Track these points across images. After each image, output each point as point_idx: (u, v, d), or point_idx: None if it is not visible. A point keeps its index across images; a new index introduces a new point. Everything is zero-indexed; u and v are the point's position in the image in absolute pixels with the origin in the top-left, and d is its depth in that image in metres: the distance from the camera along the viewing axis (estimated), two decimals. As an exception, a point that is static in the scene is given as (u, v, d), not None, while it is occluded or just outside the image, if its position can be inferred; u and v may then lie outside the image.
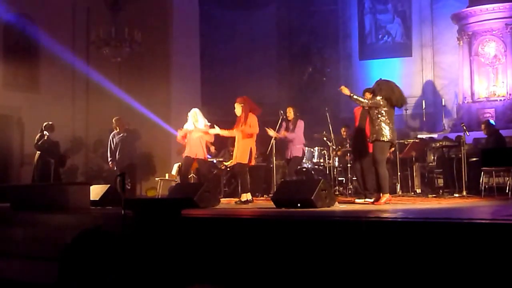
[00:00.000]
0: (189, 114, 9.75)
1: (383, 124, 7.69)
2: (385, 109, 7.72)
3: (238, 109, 9.01)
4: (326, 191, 7.45)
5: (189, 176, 10.29)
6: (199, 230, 5.81)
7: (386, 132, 7.68)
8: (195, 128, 9.59)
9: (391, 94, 7.77)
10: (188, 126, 9.70)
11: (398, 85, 8.10)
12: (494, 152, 9.14)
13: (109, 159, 11.37)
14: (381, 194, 7.77)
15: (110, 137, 11.40)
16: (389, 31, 18.13)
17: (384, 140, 7.69)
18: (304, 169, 11.18)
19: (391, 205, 7.57)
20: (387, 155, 7.96)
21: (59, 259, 5.14)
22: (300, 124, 9.82)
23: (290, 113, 9.88)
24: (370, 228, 4.95)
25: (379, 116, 7.72)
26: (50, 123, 11.65)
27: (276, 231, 5.39)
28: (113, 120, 11.40)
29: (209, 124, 9.70)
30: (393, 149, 11.20)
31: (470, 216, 5.59)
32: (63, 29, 15.32)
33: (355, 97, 7.91)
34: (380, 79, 8.13)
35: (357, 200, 8.66)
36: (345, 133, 11.80)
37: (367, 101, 7.83)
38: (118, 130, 11.24)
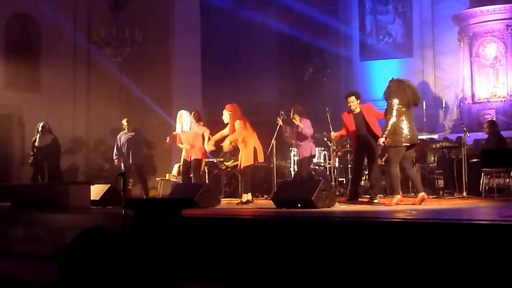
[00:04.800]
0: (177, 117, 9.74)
1: (399, 127, 7.54)
2: (400, 111, 7.58)
3: (226, 116, 8.99)
4: (327, 191, 7.47)
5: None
6: (199, 230, 5.82)
7: (402, 135, 7.54)
8: (182, 131, 9.59)
9: (401, 95, 7.62)
10: (177, 129, 9.71)
11: (412, 84, 7.99)
12: (494, 153, 9.12)
13: (114, 157, 11.39)
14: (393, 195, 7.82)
15: (118, 137, 11.42)
16: (390, 32, 18.11)
17: (393, 146, 7.58)
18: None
19: (393, 206, 7.56)
20: (400, 156, 7.69)
21: (60, 258, 5.15)
22: (305, 122, 9.83)
23: (292, 115, 9.89)
24: (370, 228, 4.96)
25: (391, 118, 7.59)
26: (43, 124, 11.66)
27: (276, 231, 5.40)
28: (124, 121, 11.40)
29: (194, 121, 9.68)
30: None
31: (470, 217, 5.60)
32: (64, 28, 15.33)
33: (386, 130, 7.63)
34: (392, 79, 7.93)
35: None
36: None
37: (393, 119, 7.55)
38: (127, 130, 11.25)
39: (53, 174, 11.52)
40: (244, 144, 8.94)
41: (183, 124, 9.55)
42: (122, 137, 11.25)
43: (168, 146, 10.28)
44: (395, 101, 7.58)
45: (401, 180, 10.31)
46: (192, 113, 10.26)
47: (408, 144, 7.65)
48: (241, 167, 9.01)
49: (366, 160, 9.07)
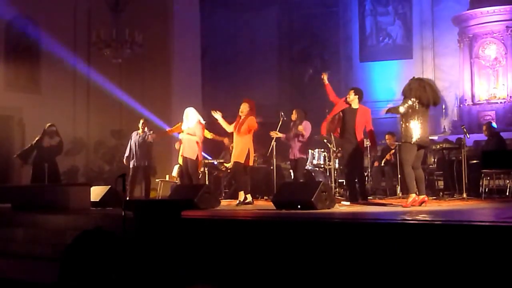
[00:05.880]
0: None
1: (411, 126, 7.48)
2: (416, 109, 7.48)
3: (245, 108, 9.02)
4: (326, 193, 7.46)
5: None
6: (199, 231, 5.82)
7: (413, 134, 7.46)
8: (187, 128, 9.59)
9: (421, 94, 7.51)
10: (183, 126, 9.71)
11: (433, 83, 7.96)
12: (494, 154, 9.14)
13: (125, 155, 11.43)
14: (408, 194, 7.70)
15: (130, 136, 11.46)
16: (390, 33, 18.14)
17: (407, 142, 7.50)
18: (304, 171, 11.18)
19: (395, 208, 7.54)
20: (412, 156, 7.61)
21: (61, 259, 5.16)
22: (306, 125, 9.84)
23: (294, 115, 9.90)
24: (369, 230, 4.96)
25: (409, 117, 7.50)
26: (52, 128, 11.64)
27: (276, 232, 5.40)
28: (140, 121, 11.43)
29: (203, 122, 9.67)
30: (393, 151, 11.27)
31: (470, 218, 5.60)
32: (64, 30, 15.33)
33: (388, 109, 7.72)
34: (413, 78, 7.86)
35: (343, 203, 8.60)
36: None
37: (402, 109, 7.52)
38: (140, 131, 11.28)
39: (52, 176, 11.51)
40: (241, 142, 8.95)
41: (188, 121, 9.55)
42: (133, 137, 11.29)
43: (178, 148, 10.27)
44: (412, 100, 7.49)
45: (401, 181, 10.37)
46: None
47: (418, 144, 7.58)
48: (233, 163, 9.03)
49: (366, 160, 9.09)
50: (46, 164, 11.44)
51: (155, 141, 11.42)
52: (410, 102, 7.51)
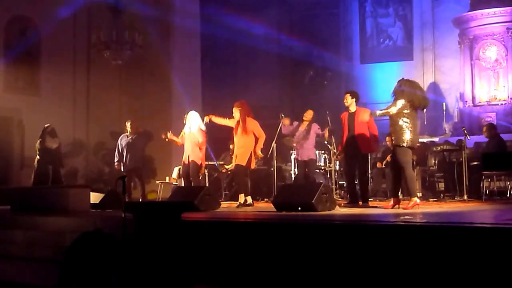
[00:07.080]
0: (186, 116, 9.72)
1: (404, 128, 7.44)
2: (407, 112, 7.46)
3: (236, 113, 9.01)
4: (327, 194, 7.45)
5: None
6: (199, 233, 5.81)
7: (406, 137, 7.44)
8: (189, 132, 9.55)
9: (413, 96, 7.50)
10: (185, 129, 9.67)
11: (420, 85, 7.95)
12: (495, 156, 9.09)
13: (115, 160, 11.38)
14: (410, 198, 7.62)
15: (119, 139, 11.40)
16: (390, 35, 18.14)
17: (403, 146, 7.45)
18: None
19: (396, 210, 7.51)
20: (411, 157, 7.62)
21: (60, 261, 5.14)
22: (315, 127, 9.85)
23: (309, 115, 9.91)
24: (370, 231, 4.95)
25: (400, 119, 7.47)
26: (51, 127, 11.61)
27: (277, 234, 5.38)
28: (127, 123, 11.36)
29: (204, 128, 9.63)
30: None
31: (471, 220, 5.60)
32: (64, 31, 15.32)
33: (382, 112, 7.66)
34: (402, 79, 7.80)
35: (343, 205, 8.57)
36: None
37: (394, 110, 7.48)
38: (128, 133, 11.22)
39: (55, 177, 11.50)
40: (244, 145, 8.93)
41: (191, 125, 9.52)
42: (123, 140, 11.24)
43: (165, 138, 10.05)
44: (402, 101, 7.47)
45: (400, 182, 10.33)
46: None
47: (410, 146, 7.55)
48: (235, 166, 9.03)
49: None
50: (50, 167, 11.43)
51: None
52: (403, 103, 7.47)
